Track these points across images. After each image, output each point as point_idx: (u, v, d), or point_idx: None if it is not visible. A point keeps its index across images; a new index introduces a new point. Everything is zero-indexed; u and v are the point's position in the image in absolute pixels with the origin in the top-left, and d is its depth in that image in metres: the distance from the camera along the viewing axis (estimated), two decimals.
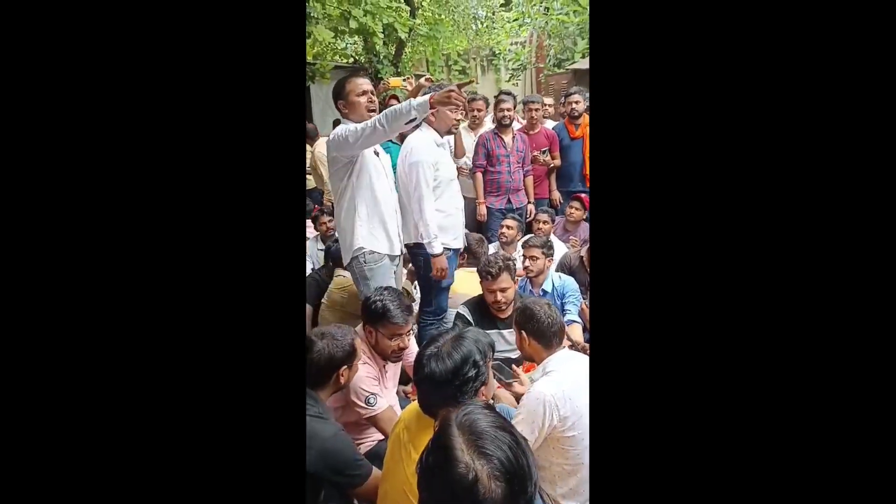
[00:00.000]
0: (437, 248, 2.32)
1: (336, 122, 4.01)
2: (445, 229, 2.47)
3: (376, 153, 2.21)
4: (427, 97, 1.87)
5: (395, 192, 2.32)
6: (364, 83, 2.15)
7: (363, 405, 1.74)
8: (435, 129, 2.45)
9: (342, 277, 2.72)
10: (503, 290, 2.21)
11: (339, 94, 2.14)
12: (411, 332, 1.97)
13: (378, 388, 1.80)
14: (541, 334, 1.62)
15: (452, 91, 1.85)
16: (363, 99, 2.11)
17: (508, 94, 3.66)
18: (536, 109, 3.81)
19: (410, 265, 2.76)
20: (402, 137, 2.70)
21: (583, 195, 3.64)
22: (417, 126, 2.26)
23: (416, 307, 2.58)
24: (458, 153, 3.46)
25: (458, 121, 2.46)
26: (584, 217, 3.60)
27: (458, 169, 3.61)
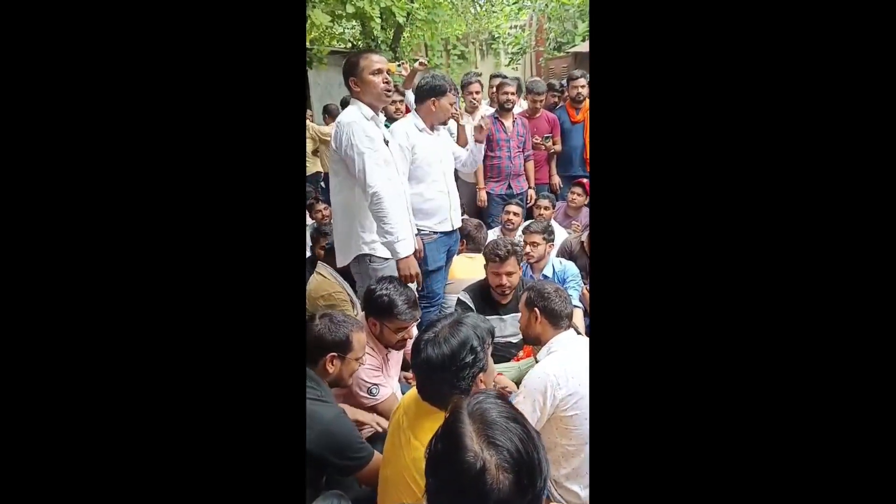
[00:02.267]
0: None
1: (344, 102, 3.88)
2: (428, 213, 2.47)
3: (386, 141, 2.11)
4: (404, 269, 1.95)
5: (405, 184, 2.25)
6: (379, 61, 2.01)
7: (366, 395, 1.73)
8: (421, 118, 2.44)
9: (323, 278, 2.45)
10: (509, 274, 2.21)
11: (352, 72, 2.01)
12: None
13: (380, 377, 1.79)
14: (553, 313, 1.64)
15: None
16: (378, 78, 1.98)
17: (508, 77, 3.63)
18: (541, 101, 3.77)
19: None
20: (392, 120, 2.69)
21: (585, 180, 3.62)
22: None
23: None
24: (460, 141, 3.44)
25: (454, 115, 2.43)
26: (586, 202, 3.59)
27: (456, 159, 3.59)
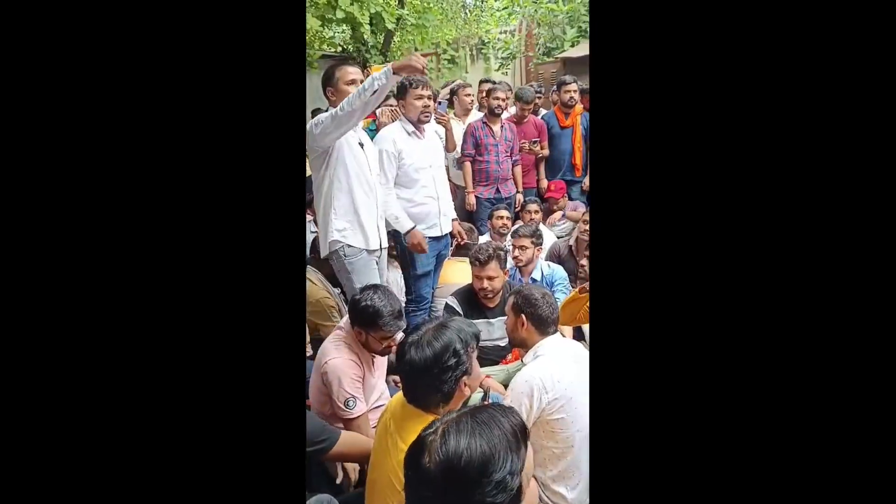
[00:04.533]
0: (405, 225, 2.39)
1: (315, 112, 3.95)
2: (417, 218, 2.50)
3: (361, 144, 2.19)
4: (389, 65, 1.88)
5: (383, 187, 2.31)
6: (354, 72, 2.13)
7: (342, 407, 1.71)
8: (408, 119, 2.48)
9: (311, 284, 2.43)
10: (490, 279, 2.23)
11: (328, 82, 2.12)
12: None
13: (360, 390, 1.77)
14: (541, 320, 1.64)
15: (413, 56, 1.87)
16: (352, 88, 2.07)
17: (500, 82, 3.66)
18: (529, 109, 3.81)
19: None
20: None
21: (552, 188, 3.78)
22: (387, 100, 2.28)
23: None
24: (448, 147, 3.45)
25: (427, 107, 2.46)
26: (566, 199, 3.75)
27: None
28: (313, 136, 2.01)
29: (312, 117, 2.17)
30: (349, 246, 2.14)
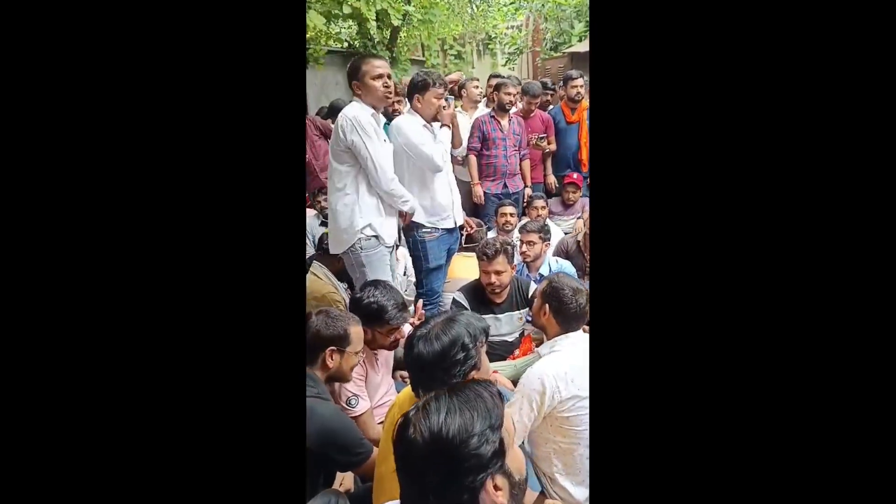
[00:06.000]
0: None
1: (332, 105, 3.92)
2: (433, 210, 2.50)
3: (386, 140, 2.19)
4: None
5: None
6: (381, 66, 2.11)
7: (345, 405, 1.72)
8: (420, 115, 2.45)
9: (316, 279, 2.40)
10: (498, 273, 2.22)
11: (354, 75, 2.11)
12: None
13: (362, 388, 1.77)
14: (564, 317, 1.62)
15: None
16: (378, 83, 2.08)
17: (510, 76, 3.66)
18: (536, 103, 3.80)
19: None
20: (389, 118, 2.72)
21: (574, 176, 3.71)
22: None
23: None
24: (455, 143, 3.45)
25: (444, 108, 2.44)
26: (582, 194, 3.71)
27: (452, 158, 3.61)
28: (347, 137, 2.06)
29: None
30: (368, 238, 2.14)
